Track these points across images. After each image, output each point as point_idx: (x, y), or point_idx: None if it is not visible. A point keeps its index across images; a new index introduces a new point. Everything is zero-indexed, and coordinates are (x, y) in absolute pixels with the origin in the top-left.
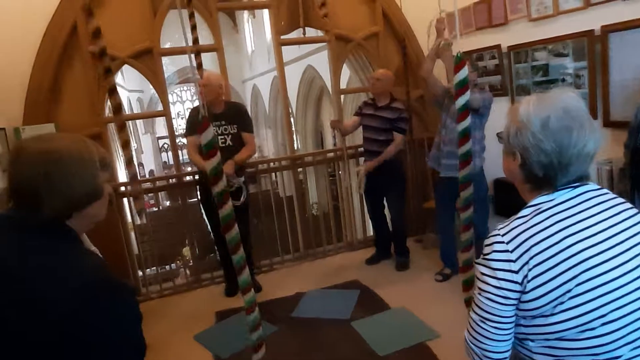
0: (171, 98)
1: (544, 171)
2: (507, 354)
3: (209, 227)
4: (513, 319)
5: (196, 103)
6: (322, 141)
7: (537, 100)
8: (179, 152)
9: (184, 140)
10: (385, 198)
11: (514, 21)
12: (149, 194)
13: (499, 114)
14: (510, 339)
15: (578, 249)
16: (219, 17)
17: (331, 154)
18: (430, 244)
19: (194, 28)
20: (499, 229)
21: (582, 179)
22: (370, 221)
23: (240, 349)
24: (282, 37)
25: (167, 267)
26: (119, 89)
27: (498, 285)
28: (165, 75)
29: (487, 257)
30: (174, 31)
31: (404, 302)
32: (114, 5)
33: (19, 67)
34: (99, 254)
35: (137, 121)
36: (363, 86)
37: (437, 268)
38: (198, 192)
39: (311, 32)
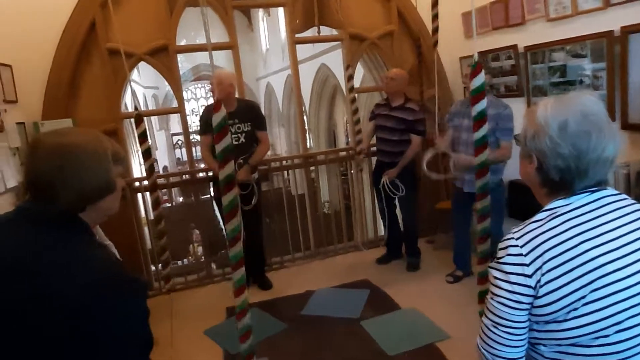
0: (186, 95)
1: (560, 175)
2: None
3: (221, 223)
4: (526, 324)
5: (210, 100)
6: (335, 140)
7: (555, 102)
8: (193, 149)
9: (198, 137)
10: (397, 198)
11: (531, 21)
12: (163, 190)
13: (515, 115)
14: (523, 345)
15: (594, 254)
16: (234, 15)
17: (343, 153)
18: (442, 244)
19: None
20: (513, 233)
21: (601, 184)
22: (381, 221)
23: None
24: (296, 35)
25: (180, 262)
26: (135, 85)
27: (511, 289)
28: (180, 72)
29: (500, 260)
30: (189, 29)
31: (414, 303)
32: (131, 3)
33: (39, 63)
34: (114, 248)
35: (152, 118)
36: (377, 85)
37: (448, 269)
38: (211, 189)
39: (325, 30)
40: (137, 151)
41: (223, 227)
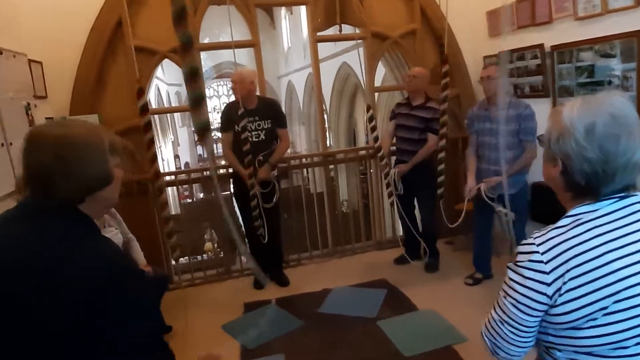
0: (208, 92)
1: (586, 180)
2: (518, 359)
3: (240, 219)
4: (534, 329)
5: (232, 98)
6: (355, 139)
7: (583, 103)
8: (214, 145)
9: (219, 134)
10: (415, 198)
11: (558, 20)
12: (184, 186)
13: (539, 116)
14: (525, 347)
15: (619, 265)
16: (257, 13)
17: (363, 152)
18: (461, 246)
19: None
20: (534, 238)
21: (629, 189)
22: (400, 220)
23: (267, 340)
24: (318, 33)
25: (199, 257)
26: (158, 82)
27: (525, 294)
28: (203, 70)
29: (519, 264)
30: (213, 27)
31: (431, 304)
32: (156, 1)
33: (68, 60)
34: (136, 241)
35: (175, 114)
36: (398, 84)
37: (468, 271)
38: (231, 186)
39: (347, 29)
40: (160, 147)
41: (242, 223)
